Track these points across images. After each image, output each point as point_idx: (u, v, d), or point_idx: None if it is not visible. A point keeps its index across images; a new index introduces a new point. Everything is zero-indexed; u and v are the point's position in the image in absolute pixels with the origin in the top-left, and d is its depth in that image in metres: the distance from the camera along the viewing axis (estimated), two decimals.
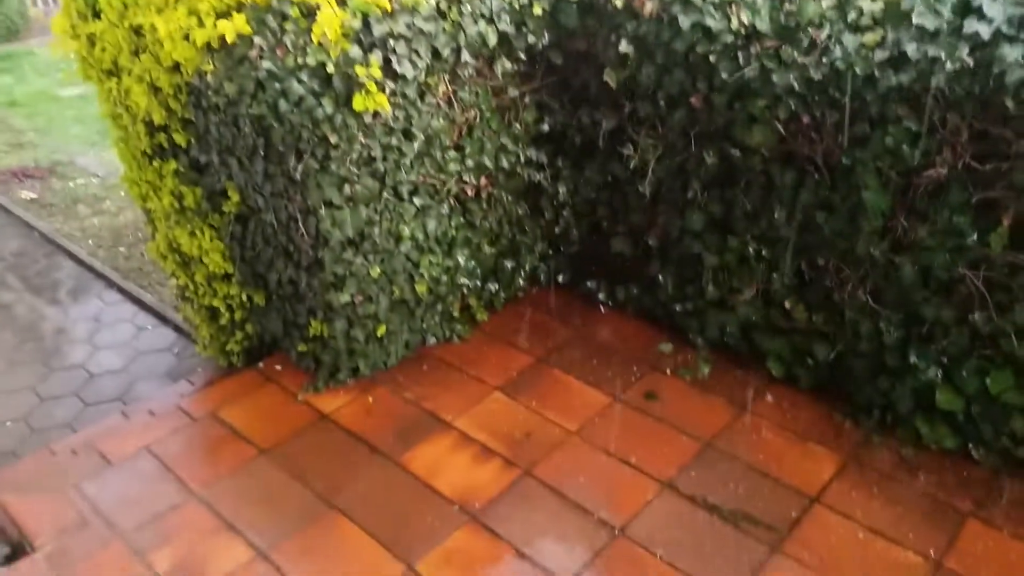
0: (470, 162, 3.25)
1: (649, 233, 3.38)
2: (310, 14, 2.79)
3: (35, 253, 5.13)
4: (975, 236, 2.48)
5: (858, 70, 2.49)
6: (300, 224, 2.95)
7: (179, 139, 3.17)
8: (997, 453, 2.65)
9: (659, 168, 3.15)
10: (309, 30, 2.76)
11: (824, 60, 2.56)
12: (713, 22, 2.78)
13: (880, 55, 2.46)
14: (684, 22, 2.82)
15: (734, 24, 2.73)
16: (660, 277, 3.37)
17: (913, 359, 2.68)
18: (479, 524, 2.51)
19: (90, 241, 5.20)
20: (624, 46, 2.98)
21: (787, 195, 2.86)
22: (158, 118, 3.15)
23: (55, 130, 6.96)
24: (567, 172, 3.50)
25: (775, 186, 2.89)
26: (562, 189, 3.50)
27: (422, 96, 3.01)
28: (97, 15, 3.27)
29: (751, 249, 3.03)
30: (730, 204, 3.06)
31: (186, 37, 2.91)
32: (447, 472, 2.73)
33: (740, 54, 2.73)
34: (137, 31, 3.10)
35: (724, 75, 2.77)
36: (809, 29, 2.61)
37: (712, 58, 2.78)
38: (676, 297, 3.36)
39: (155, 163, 3.31)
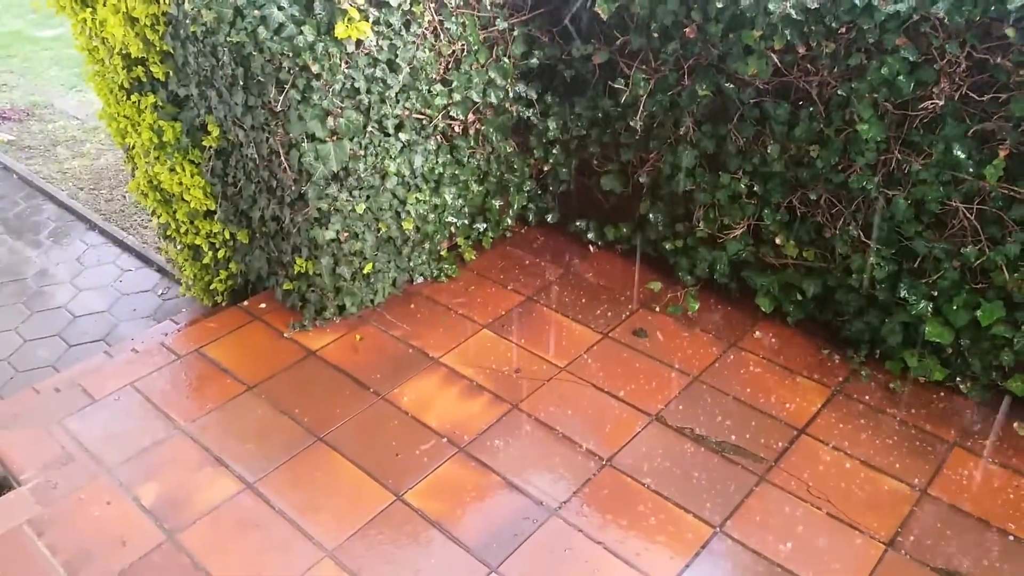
0: (457, 96, 3.17)
1: (640, 171, 3.33)
2: None
3: (14, 196, 5.03)
4: (970, 168, 2.45)
5: None
6: (283, 158, 2.87)
7: (157, 72, 3.07)
8: (984, 386, 2.66)
9: (651, 103, 3.08)
10: None
11: None
12: None
13: None
14: None
15: None
16: (650, 215, 3.33)
17: (903, 293, 2.67)
18: (468, 456, 2.51)
19: (70, 183, 5.10)
20: None
21: (780, 129, 2.81)
22: (135, 50, 3.05)
23: (32, 72, 6.77)
24: (557, 108, 3.43)
25: (768, 120, 2.84)
26: (552, 126, 3.44)
27: (407, 26, 2.91)
28: None
29: (743, 185, 2.99)
30: (722, 140, 3.00)
31: None
32: (436, 407, 2.72)
33: None
34: None
35: (719, 4, 2.70)
36: None
37: None
38: (666, 235, 3.32)
39: (133, 97, 3.21)
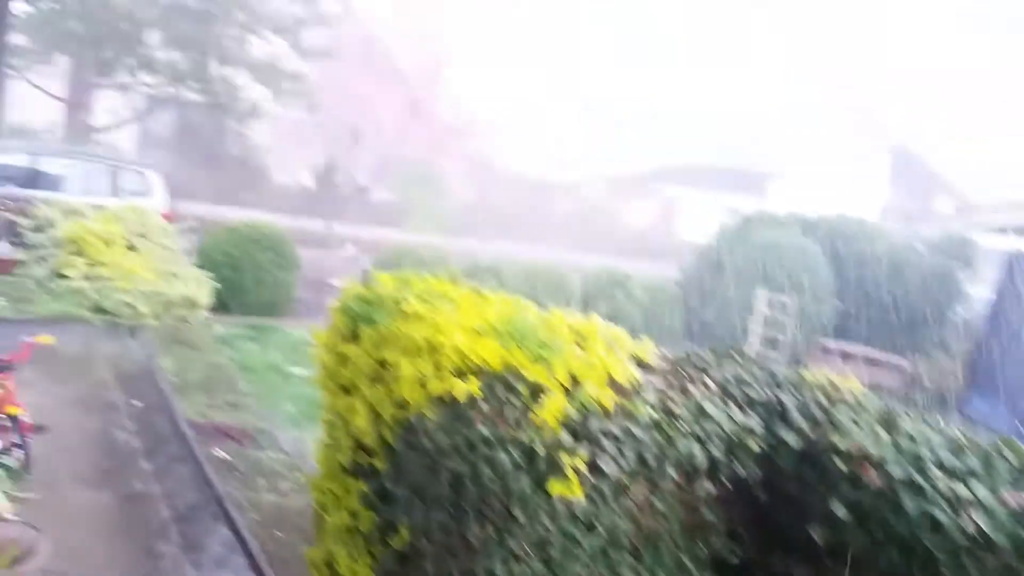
0: (644, 571, 3.04)
1: None
2: (536, 394, 2.94)
3: (203, 512, 5.33)
4: None
5: None
6: None
7: (378, 464, 3.28)
8: None
9: None
10: (531, 408, 2.89)
11: None
12: (943, 516, 2.56)
13: None
14: (910, 507, 2.63)
15: (967, 527, 2.50)
16: None
17: None
18: None
19: (253, 515, 5.34)
20: (839, 509, 2.81)
21: None
22: (368, 440, 3.33)
23: (270, 401, 7.62)
24: None
25: None
26: None
27: (616, 494, 2.95)
28: (356, 340, 3.68)
29: None
30: None
31: (422, 383, 3.15)
32: None
33: (968, 560, 2.45)
34: (383, 364, 3.41)
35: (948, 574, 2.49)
36: None
37: (935, 550, 2.52)
38: None
39: (347, 479, 3.43)
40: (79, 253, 9.66)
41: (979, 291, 14.23)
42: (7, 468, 4.84)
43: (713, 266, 14.05)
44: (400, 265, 11.54)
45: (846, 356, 12.97)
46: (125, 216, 10.43)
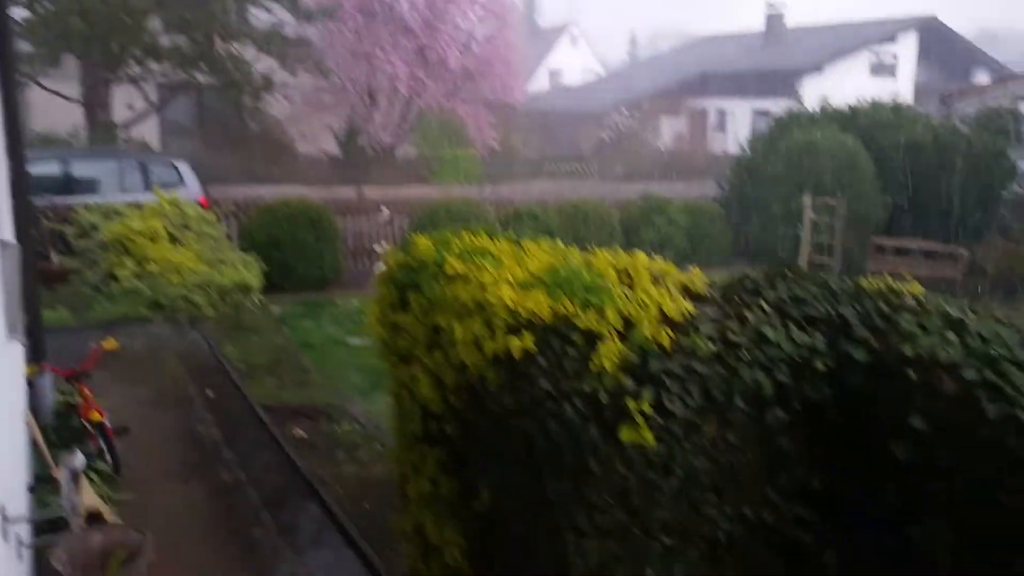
0: (728, 508, 3.08)
1: None
2: (592, 341, 2.95)
3: (292, 493, 5.53)
4: None
5: None
6: (544, 545, 2.90)
7: (449, 430, 3.36)
8: None
9: (954, 565, 2.76)
10: (588, 357, 2.90)
11: None
12: None
13: None
14: (991, 411, 2.59)
15: None
16: None
17: None
18: None
19: (339, 488, 5.53)
20: (917, 422, 2.78)
21: None
22: (435, 408, 3.39)
23: (336, 374, 7.81)
24: (837, 539, 3.19)
25: None
26: (829, 556, 3.17)
27: (687, 434, 2.97)
28: (406, 308, 3.72)
29: None
30: None
31: (477, 344, 3.18)
32: None
33: None
34: (436, 329, 3.45)
35: None
36: None
37: None
38: None
39: (422, 448, 3.52)
40: (126, 253, 9.87)
41: None
42: (100, 473, 5.07)
43: (751, 176, 13.77)
44: (436, 222, 11.55)
45: (901, 252, 12.67)
46: (164, 210, 10.58)
